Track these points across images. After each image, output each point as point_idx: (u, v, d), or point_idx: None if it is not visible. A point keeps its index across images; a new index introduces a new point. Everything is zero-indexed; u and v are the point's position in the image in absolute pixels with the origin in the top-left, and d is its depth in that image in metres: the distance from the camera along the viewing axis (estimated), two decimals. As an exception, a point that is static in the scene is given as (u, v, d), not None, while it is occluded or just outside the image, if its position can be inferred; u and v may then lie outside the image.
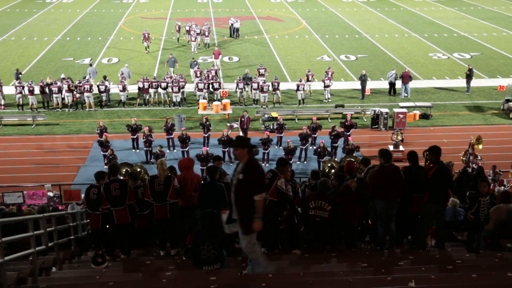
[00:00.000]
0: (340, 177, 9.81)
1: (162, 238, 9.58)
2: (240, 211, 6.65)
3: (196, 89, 25.69)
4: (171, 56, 29.41)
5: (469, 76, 28.09)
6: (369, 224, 9.41)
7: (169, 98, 26.08)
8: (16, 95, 25.27)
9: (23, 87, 25.25)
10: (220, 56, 31.33)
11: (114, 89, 27.07)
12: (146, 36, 34.61)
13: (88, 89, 25.21)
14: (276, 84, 25.68)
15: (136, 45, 36.63)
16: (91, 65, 29.13)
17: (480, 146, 17.61)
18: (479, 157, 18.12)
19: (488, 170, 17.78)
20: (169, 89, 25.79)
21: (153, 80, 26.25)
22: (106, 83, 25.94)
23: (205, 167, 17.45)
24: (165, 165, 9.58)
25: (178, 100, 25.74)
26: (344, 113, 23.86)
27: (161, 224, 9.52)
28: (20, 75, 27.20)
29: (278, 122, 21.75)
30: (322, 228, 8.74)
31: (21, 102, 25.29)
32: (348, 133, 21.54)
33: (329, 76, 26.98)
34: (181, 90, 25.80)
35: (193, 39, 35.03)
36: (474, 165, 16.99)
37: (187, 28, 36.61)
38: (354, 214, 8.87)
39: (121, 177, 15.01)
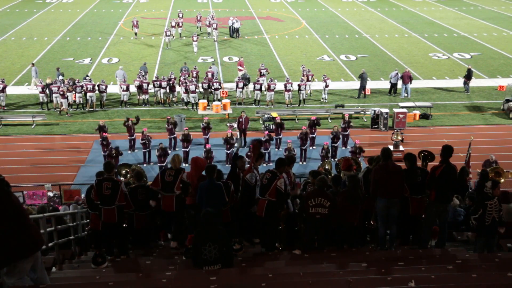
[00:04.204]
0: (336, 179, 9.80)
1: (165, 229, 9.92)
2: None
3: (189, 90, 25.51)
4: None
5: (467, 77, 28.11)
6: (372, 224, 9.38)
7: (172, 97, 26.20)
8: (53, 94, 25.18)
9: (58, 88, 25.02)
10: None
11: (115, 89, 27.16)
12: (135, 23, 37.41)
13: (91, 89, 25.20)
14: (303, 86, 25.86)
15: (136, 45, 36.65)
16: (33, 64, 28.64)
17: (502, 180, 14.98)
18: None
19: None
20: (180, 89, 25.83)
21: (154, 80, 26.25)
22: (83, 82, 25.69)
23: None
24: (180, 160, 9.80)
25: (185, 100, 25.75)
26: (343, 113, 23.84)
27: (168, 217, 9.80)
28: (62, 75, 27.28)
29: (277, 122, 21.74)
30: (323, 224, 8.78)
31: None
32: (346, 133, 21.72)
33: (309, 74, 27.17)
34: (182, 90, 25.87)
35: (194, 38, 35.07)
36: None
37: (208, 20, 38.46)
38: (352, 213, 8.87)
39: (122, 178, 15.03)
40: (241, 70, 28.50)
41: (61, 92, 24.60)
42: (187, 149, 20.47)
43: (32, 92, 27.39)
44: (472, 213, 9.01)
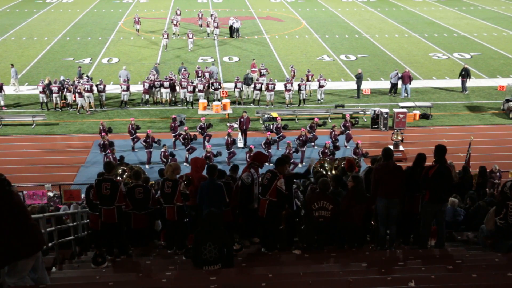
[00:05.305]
0: (337, 178, 9.82)
1: (170, 238, 9.75)
2: None
3: (197, 89, 25.59)
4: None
5: (465, 76, 28.11)
6: (372, 224, 9.38)
7: (173, 97, 26.22)
8: (53, 94, 25.15)
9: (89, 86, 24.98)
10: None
11: (117, 89, 27.18)
12: (137, 20, 38.63)
13: (89, 89, 25.18)
14: (303, 86, 25.85)
15: (136, 45, 36.64)
16: (12, 66, 28.28)
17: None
18: None
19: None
20: (178, 88, 25.87)
21: (155, 80, 26.25)
22: (84, 80, 25.68)
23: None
24: (173, 169, 9.54)
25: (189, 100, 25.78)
26: (344, 113, 23.87)
27: (170, 225, 9.71)
28: (83, 74, 27.27)
29: (277, 124, 21.70)
30: (325, 227, 8.77)
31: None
32: (346, 132, 21.79)
33: (308, 74, 27.14)
34: (181, 90, 25.85)
35: (190, 36, 35.08)
36: None
37: (211, 18, 39.27)
38: (355, 213, 8.86)
39: (118, 178, 15.03)
40: (254, 72, 28.31)
41: (78, 91, 24.63)
42: (188, 149, 20.46)
43: (33, 92, 27.35)
44: (496, 213, 8.77)
